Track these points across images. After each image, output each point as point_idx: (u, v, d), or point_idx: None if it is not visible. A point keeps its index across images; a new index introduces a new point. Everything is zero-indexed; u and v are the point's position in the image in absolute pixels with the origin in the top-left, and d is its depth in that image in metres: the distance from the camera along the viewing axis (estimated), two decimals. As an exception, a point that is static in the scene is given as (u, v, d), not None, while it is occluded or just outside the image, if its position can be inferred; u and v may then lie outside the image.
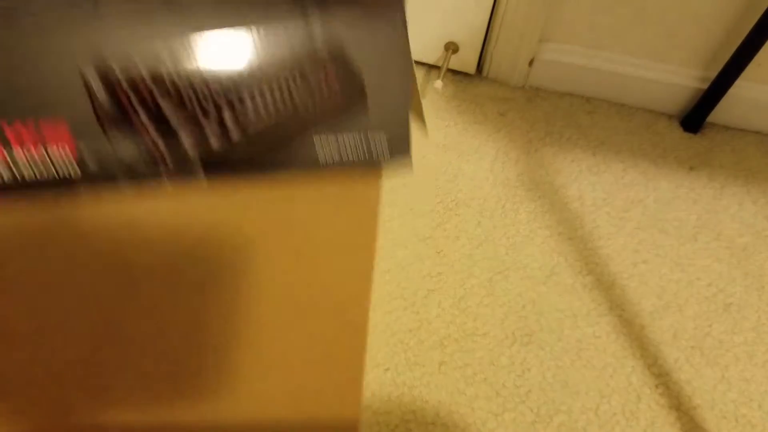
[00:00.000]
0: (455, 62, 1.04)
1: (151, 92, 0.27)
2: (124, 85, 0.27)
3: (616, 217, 0.92)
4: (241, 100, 0.28)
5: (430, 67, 1.07)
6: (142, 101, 0.27)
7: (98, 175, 0.30)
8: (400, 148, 0.32)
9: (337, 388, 0.52)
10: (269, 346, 0.50)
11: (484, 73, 1.06)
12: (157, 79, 0.27)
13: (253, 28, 0.27)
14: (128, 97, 0.27)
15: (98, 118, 0.28)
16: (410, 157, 0.32)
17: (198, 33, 0.27)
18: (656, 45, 0.97)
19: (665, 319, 0.82)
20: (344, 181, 0.44)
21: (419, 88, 1.04)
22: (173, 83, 0.27)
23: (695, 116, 1.02)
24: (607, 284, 0.84)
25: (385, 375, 0.73)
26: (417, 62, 1.08)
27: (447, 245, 0.86)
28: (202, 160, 0.30)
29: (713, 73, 0.99)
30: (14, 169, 0.29)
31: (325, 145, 0.31)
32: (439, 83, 0.96)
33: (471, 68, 1.05)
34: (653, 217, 0.92)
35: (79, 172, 0.30)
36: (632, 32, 0.96)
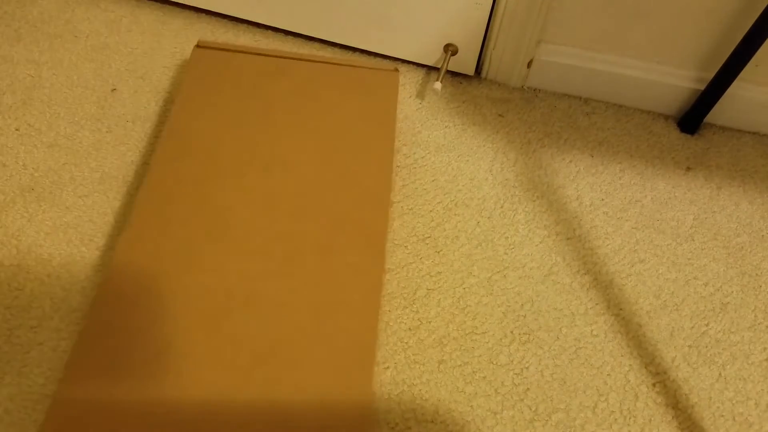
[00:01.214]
0: (454, 64, 1.05)
1: None
2: None
3: (613, 217, 0.92)
4: None
5: (429, 69, 1.08)
6: None
7: None
8: None
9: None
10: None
11: (483, 74, 1.07)
12: None
13: None
14: None
15: None
16: None
17: None
18: (654, 46, 0.98)
19: (662, 318, 0.83)
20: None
21: (418, 89, 1.05)
22: None
23: (692, 117, 1.03)
24: (604, 283, 0.85)
25: (385, 373, 0.74)
26: (416, 64, 1.08)
27: (446, 245, 0.86)
28: None
29: (710, 74, 1.00)
30: None
31: None
32: (438, 85, 0.96)
33: (470, 70, 1.06)
34: (650, 217, 0.93)
35: None
36: (630, 34, 0.97)
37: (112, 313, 0.65)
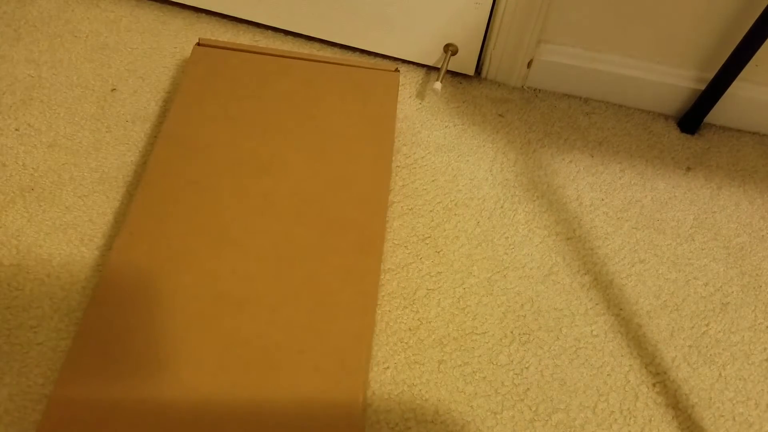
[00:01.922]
0: (454, 64, 1.05)
1: None
2: None
3: (613, 217, 0.92)
4: None
5: (429, 69, 1.08)
6: None
7: None
8: None
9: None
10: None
11: (483, 74, 1.07)
12: None
13: None
14: None
15: None
16: None
17: None
18: (654, 46, 0.98)
19: (662, 318, 0.83)
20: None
21: (418, 89, 1.05)
22: None
23: (692, 117, 1.02)
24: (604, 283, 0.85)
25: (385, 373, 0.74)
26: (416, 64, 1.08)
27: (446, 245, 0.86)
28: None
29: (711, 74, 1.00)
30: None
31: None
32: (438, 85, 0.96)
33: (470, 70, 1.06)
34: (651, 217, 0.93)
35: None
36: (630, 34, 0.97)
37: (109, 313, 0.65)
